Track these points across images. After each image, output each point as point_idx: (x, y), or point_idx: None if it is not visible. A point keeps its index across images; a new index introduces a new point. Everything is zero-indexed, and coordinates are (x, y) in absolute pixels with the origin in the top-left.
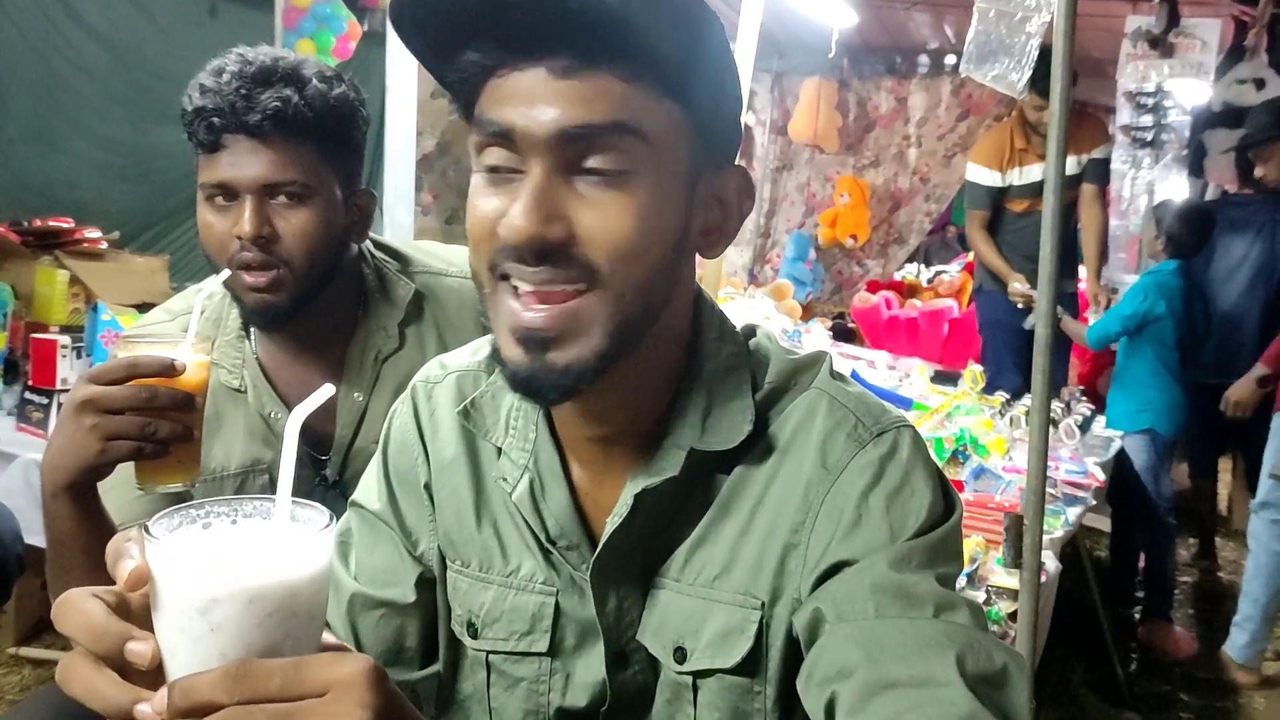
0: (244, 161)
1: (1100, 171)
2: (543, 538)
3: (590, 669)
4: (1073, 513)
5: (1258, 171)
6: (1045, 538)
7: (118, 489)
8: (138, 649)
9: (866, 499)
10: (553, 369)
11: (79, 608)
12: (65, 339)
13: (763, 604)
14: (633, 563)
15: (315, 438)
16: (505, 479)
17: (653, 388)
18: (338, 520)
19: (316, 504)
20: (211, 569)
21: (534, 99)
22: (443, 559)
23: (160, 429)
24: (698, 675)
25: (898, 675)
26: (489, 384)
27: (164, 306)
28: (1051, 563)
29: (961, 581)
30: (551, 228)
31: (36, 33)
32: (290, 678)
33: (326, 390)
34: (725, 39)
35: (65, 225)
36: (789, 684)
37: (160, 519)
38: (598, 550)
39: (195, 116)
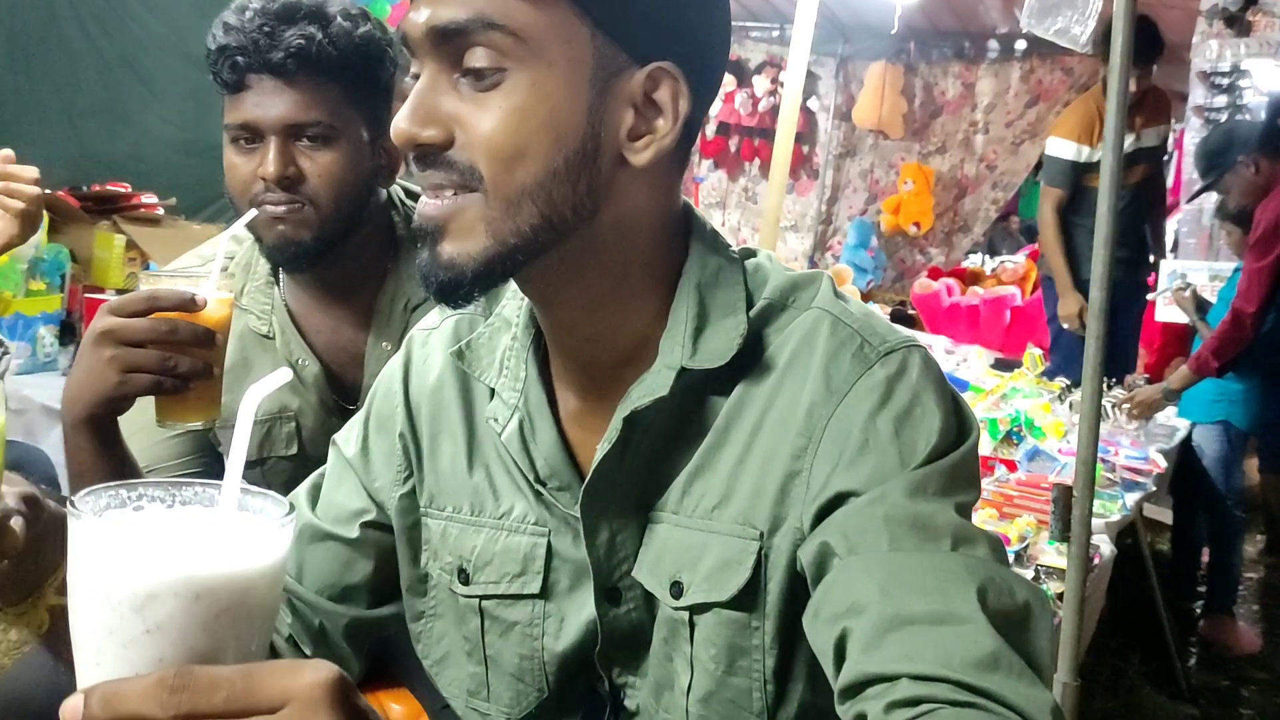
0: (268, 101)
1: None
2: (532, 478)
3: (584, 608)
4: (1131, 498)
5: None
6: (1100, 521)
7: (143, 432)
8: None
9: (874, 421)
10: (440, 261)
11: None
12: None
13: (761, 534)
14: (626, 495)
15: (343, 387)
16: (495, 419)
17: (630, 301)
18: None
19: (271, 492)
20: (152, 558)
21: (418, 3)
22: (412, 507)
23: (180, 364)
24: (694, 610)
25: (915, 610)
26: (486, 325)
27: (195, 251)
28: (1106, 546)
29: (1009, 559)
30: (426, 130)
31: (104, 10)
32: (239, 688)
33: (284, 374)
34: None
35: (123, 190)
36: (789, 620)
37: (86, 495)
38: (588, 478)
39: (219, 55)
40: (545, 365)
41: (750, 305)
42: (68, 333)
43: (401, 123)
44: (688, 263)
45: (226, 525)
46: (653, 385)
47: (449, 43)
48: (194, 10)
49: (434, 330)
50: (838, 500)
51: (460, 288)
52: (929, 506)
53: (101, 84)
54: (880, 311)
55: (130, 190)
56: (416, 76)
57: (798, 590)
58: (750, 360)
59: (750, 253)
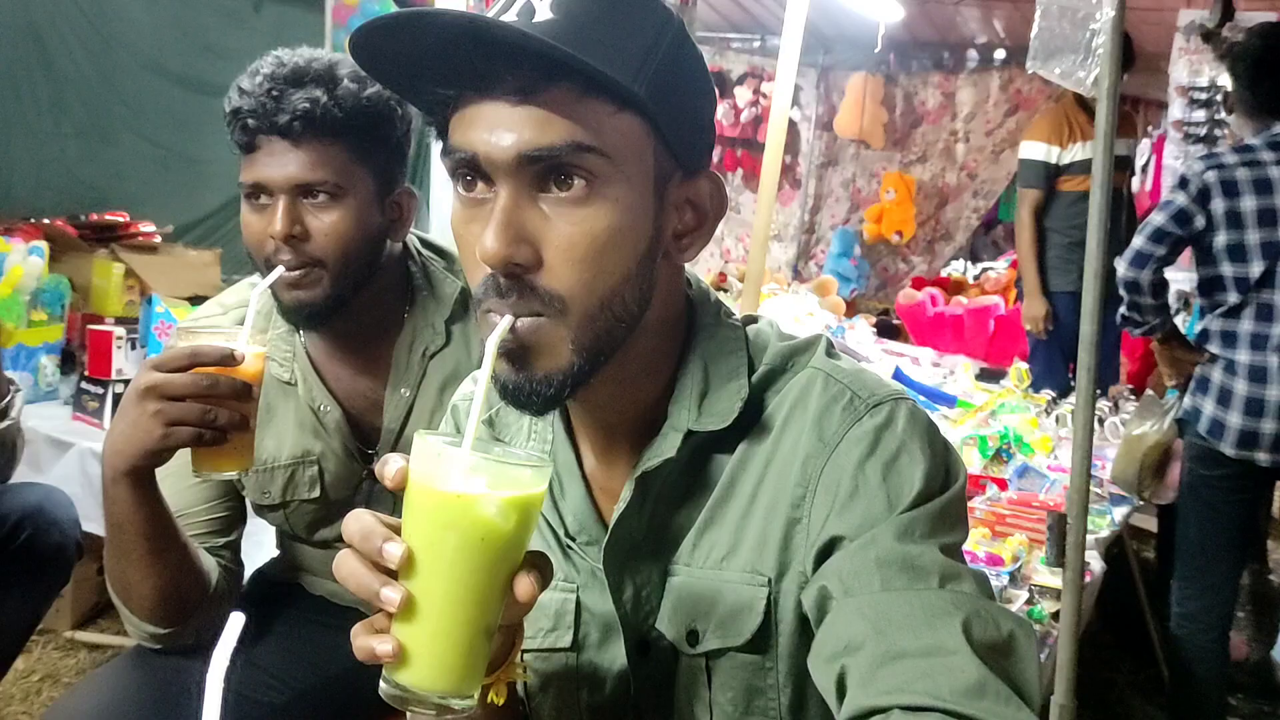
0: (276, 162)
1: None
2: (561, 534)
3: (615, 661)
4: (1118, 512)
5: None
6: (1090, 537)
7: (173, 477)
8: (390, 549)
9: (863, 469)
10: (533, 379)
11: (359, 516)
12: (120, 330)
13: (769, 580)
14: (645, 551)
15: (363, 432)
16: None
17: (647, 375)
18: None
19: None
20: None
21: (494, 125)
22: None
23: (220, 416)
24: (710, 656)
25: (905, 646)
26: None
27: (217, 300)
28: (1096, 563)
29: (1004, 580)
30: (520, 249)
31: (88, 32)
32: None
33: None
34: (682, 39)
35: (121, 219)
36: (800, 661)
37: None
38: (606, 537)
39: (232, 117)
40: (570, 426)
41: (752, 370)
42: (68, 362)
43: (492, 244)
44: (694, 335)
45: None
46: (662, 447)
47: (536, 165)
48: (177, 31)
49: (469, 401)
50: (833, 544)
51: (559, 399)
52: (917, 548)
53: (87, 107)
54: (867, 325)
55: (128, 219)
56: (469, 193)
57: (807, 630)
58: (751, 420)
59: (752, 319)
